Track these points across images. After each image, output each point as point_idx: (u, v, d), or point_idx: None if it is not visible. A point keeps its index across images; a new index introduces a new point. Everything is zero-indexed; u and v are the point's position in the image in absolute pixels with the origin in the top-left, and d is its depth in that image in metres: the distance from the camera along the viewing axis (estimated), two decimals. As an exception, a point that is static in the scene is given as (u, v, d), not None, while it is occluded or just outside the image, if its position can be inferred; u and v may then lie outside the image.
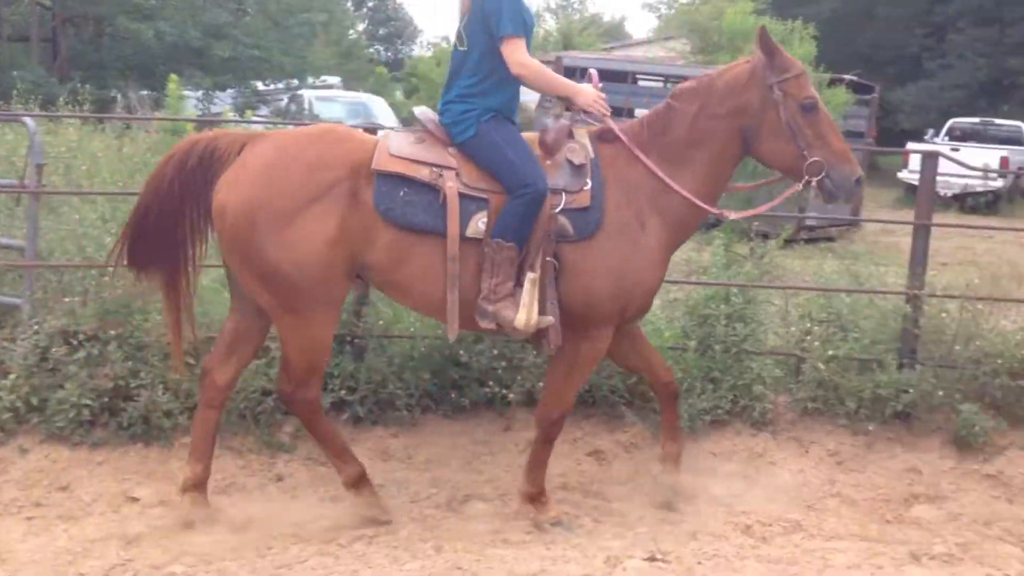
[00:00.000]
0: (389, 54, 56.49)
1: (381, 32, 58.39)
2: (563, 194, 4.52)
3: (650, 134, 4.73)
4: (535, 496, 4.86)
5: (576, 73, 21.97)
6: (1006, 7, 27.38)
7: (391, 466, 5.41)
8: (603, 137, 4.75)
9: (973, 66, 28.00)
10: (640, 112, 22.83)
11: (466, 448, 5.61)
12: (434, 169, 4.52)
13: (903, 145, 20.90)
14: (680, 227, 4.77)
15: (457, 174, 4.52)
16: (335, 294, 4.55)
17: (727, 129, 4.69)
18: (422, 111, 4.77)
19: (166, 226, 4.57)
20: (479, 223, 4.48)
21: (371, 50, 50.71)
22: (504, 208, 4.45)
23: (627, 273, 4.58)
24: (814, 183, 4.59)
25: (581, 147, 4.66)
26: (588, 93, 4.68)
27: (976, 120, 24.00)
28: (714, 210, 4.77)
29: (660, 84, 24.24)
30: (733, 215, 5.02)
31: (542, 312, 4.47)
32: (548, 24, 41.62)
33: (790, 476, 5.48)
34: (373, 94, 25.33)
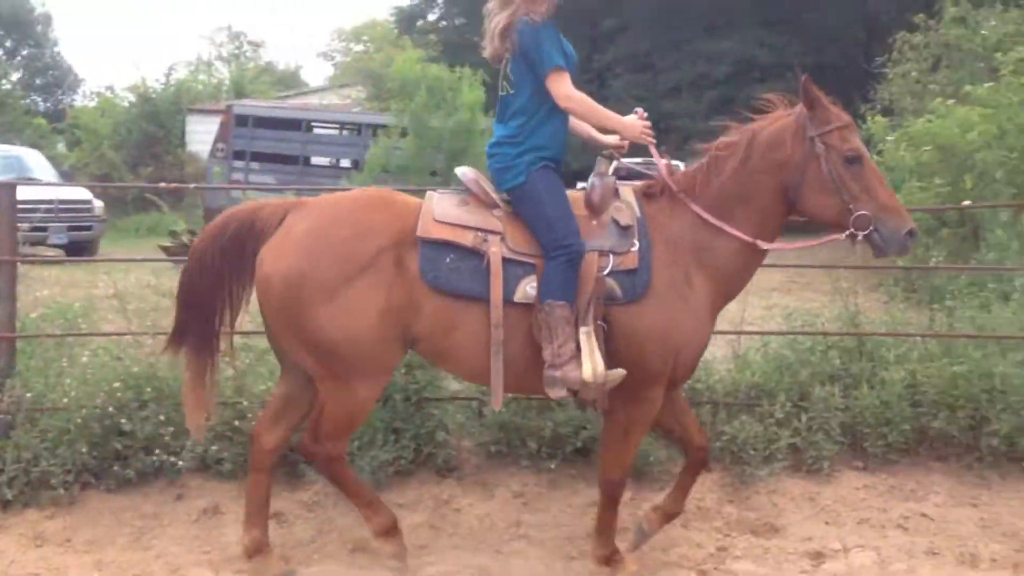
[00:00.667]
0: (49, 105, 53.33)
1: (39, 82, 55.08)
2: (611, 256, 4.37)
3: (696, 187, 4.59)
4: (609, 558, 4.75)
5: (248, 121, 21.78)
6: (656, 55, 29.47)
7: (47, 552, 4.90)
8: (647, 193, 4.65)
9: (632, 110, 29.89)
10: (317, 160, 22.65)
11: (133, 524, 5.19)
12: (479, 234, 4.37)
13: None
14: (727, 281, 4.58)
15: (502, 238, 4.39)
16: (387, 362, 4.43)
17: (770, 184, 4.51)
18: (463, 171, 4.56)
19: (205, 297, 4.49)
20: (527, 288, 4.32)
21: (27, 101, 47.50)
22: (545, 270, 4.32)
23: (676, 333, 4.40)
24: (860, 237, 4.39)
25: (627, 206, 4.54)
26: (635, 125, 4.66)
27: (639, 160, 25.48)
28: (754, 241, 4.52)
29: (336, 131, 24.43)
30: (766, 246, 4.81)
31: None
32: (220, 73, 40.64)
33: (476, 521, 5.43)
34: (30, 147, 23.67)
